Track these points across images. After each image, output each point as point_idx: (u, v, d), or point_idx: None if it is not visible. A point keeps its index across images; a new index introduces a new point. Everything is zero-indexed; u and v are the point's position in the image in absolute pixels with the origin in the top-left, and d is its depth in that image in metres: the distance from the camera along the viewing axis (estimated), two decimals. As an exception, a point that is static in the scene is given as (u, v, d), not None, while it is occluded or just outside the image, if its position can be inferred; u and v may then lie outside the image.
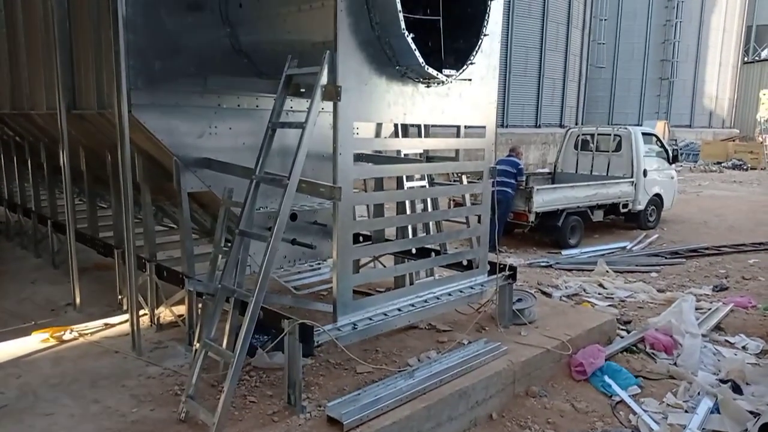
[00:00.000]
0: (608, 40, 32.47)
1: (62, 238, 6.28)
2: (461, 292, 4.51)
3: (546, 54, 23.23)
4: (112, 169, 5.07)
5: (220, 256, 3.99)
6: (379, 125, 5.31)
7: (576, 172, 12.26)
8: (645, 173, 11.61)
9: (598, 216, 10.97)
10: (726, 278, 8.15)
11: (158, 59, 4.02)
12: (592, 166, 12.14)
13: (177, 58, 4.12)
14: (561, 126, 23.51)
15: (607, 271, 8.09)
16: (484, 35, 4.00)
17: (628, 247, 10.26)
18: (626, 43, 33.60)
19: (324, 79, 3.35)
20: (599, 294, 7.14)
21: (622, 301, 6.91)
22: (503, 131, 21.00)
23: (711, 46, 34.91)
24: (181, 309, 4.59)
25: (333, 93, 3.36)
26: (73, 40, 4.68)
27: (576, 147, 12.51)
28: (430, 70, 3.69)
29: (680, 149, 25.27)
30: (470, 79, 4.15)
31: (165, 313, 4.84)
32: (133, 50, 3.86)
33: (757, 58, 45.36)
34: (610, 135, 12.21)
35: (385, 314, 3.90)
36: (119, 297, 5.30)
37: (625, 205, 11.44)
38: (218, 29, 4.30)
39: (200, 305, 4.31)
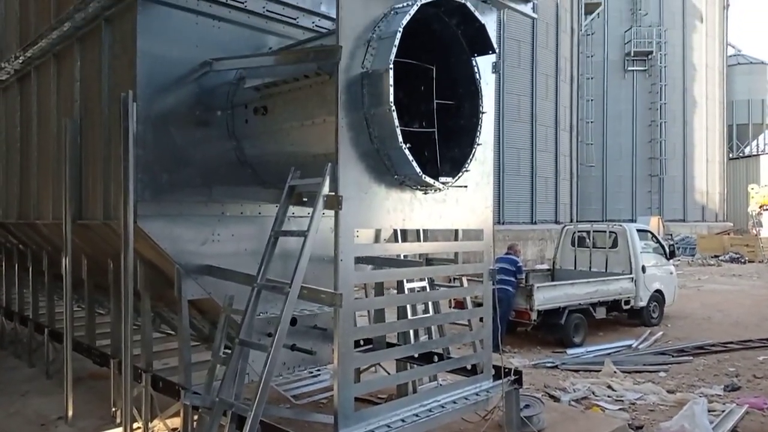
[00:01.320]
0: (596, 141, 33.79)
1: (58, 347, 6.17)
2: (466, 399, 4.38)
3: (537, 155, 24.06)
4: (114, 277, 5.09)
5: (218, 365, 3.91)
6: (379, 229, 5.41)
7: (575, 268, 12.30)
8: (644, 269, 11.64)
9: (600, 313, 10.86)
10: (737, 377, 7.93)
11: (165, 172, 4.18)
12: (590, 263, 12.20)
13: (184, 171, 4.28)
14: (556, 222, 23.87)
15: (615, 372, 7.89)
16: (477, 145, 4.18)
17: (633, 345, 10.06)
18: (614, 143, 34.98)
19: (326, 189, 3.47)
20: (608, 396, 6.92)
21: (633, 403, 6.68)
22: (500, 228, 21.28)
23: (696, 144, 36.32)
24: (177, 422, 4.42)
25: (335, 202, 3.46)
26: (83, 155, 4.88)
27: (573, 244, 12.64)
28: (427, 179, 3.82)
29: (676, 244, 25.46)
30: (466, 186, 4.29)
31: (159, 427, 4.66)
32: (141, 164, 4.03)
33: (741, 154, 47.03)
34: (605, 232, 12.38)
35: (389, 426, 3.76)
36: (113, 409, 5.12)
37: (627, 302, 11.36)
38: (224, 143, 4.51)
39: (196, 417, 4.16)
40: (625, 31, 35.43)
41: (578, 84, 28.72)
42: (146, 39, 4.08)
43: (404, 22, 3.48)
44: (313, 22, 5.12)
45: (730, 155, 43.70)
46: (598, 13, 32.32)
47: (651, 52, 34.97)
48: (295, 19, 4.97)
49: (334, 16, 3.66)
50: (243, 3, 4.57)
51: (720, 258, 27.93)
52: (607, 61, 35.50)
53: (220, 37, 4.53)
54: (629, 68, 35.68)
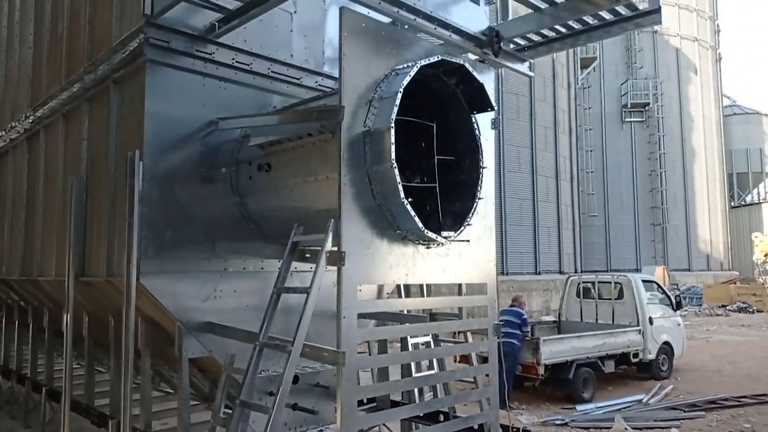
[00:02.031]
0: (597, 190, 34.01)
1: (55, 407, 6.05)
2: (473, 460, 4.24)
3: (539, 204, 24.18)
4: (114, 334, 5.03)
5: (218, 426, 3.82)
6: (381, 284, 5.38)
7: (581, 320, 12.14)
8: (651, 321, 11.48)
9: (609, 367, 10.64)
10: (752, 433, 7.70)
11: (169, 229, 4.21)
12: (596, 315, 12.05)
13: (187, 227, 4.31)
14: (561, 272, 23.72)
15: (626, 429, 7.66)
16: (479, 199, 4.21)
17: (644, 401, 9.80)
18: (615, 193, 35.18)
19: (329, 245, 3.48)
20: (620, 455, 6.69)
21: (646, 462, 6.45)
22: (504, 278, 21.14)
23: (697, 193, 36.49)
24: (174, 487, 4.28)
25: (337, 259, 3.46)
26: (88, 212, 4.93)
27: (578, 295, 12.51)
28: (430, 234, 3.83)
29: (682, 293, 25.21)
30: (468, 240, 4.30)
31: (156, 492, 4.50)
32: (145, 222, 4.06)
33: (742, 202, 47.17)
34: (610, 282, 12.28)
35: (393, 489, 3.63)
36: (108, 473, 4.97)
37: (636, 355, 11.15)
38: (228, 199, 4.55)
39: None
40: (621, 84, 36.24)
41: (577, 135, 29.17)
42: (154, 100, 4.19)
43: (405, 83, 3.57)
44: (316, 82, 5.26)
45: (732, 203, 43.83)
46: (594, 67, 33.17)
47: (648, 104, 35.64)
48: (298, 79, 5.11)
49: (337, 76, 3.76)
50: (249, 65, 4.71)
51: (727, 308, 27.56)
52: (604, 113, 36.16)
53: (226, 97, 4.64)
54: (627, 119, 36.29)
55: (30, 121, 6.29)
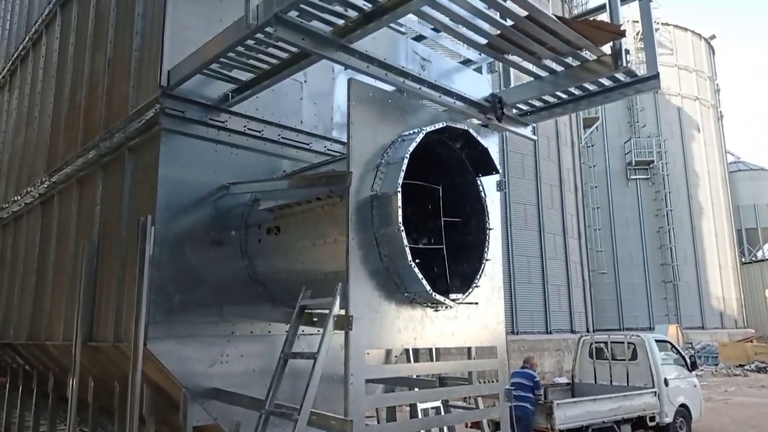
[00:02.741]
0: (606, 248, 33.84)
1: (55, 477, 5.89)
2: None
3: (547, 262, 24.04)
4: (120, 400, 4.97)
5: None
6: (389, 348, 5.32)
7: (595, 382, 11.83)
8: (666, 382, 11.16)
9: (626, 431, 10.27)
10: (780, 503, 7.32)
11: (178, 293, 4.23)
12: (611, 376, 11.73)
13: (196, 291, 4.33)
14: (572, 331, 23.29)
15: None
16: (486, 260, 4.23)
17: (664, 467, 9.40)
18: (624, 250, 34.98)
19: (336, 309, 3.48)
20: None
21: None
22: (514, 338, 20.76)
23: (707, 250, 36.20)
24: None
25: (345, 323, 3.45)
26: (98, 277, 4.97)
27: (591, 355, 12.23)
28: (438, 296, 3.83)
29: (697, 352, 24.61)
30: (477, 303, 4.28)
31: None
32: (155, 286, 4.09)
33: (753, 258, 46.67)
34: (623, 343, 12.03)
35: None
36: None
37: (652, 418, 10.77)
38: (237, 262, 4.59)
39: None
40: (625, 142, 36.70)
41: (583, 193, 29.33)
42: (167, 166, 4.31)
43: (411, 148, 3.66)
44: (325, 146, 5.40)
45: (743, 260, 43.37)
46: (597, 127, 33.73)
47: (652, 161, 35.95)
48: (308, 144, 5.25)
49: (345, 140, 3.87)
50: (260, 131, 4.86)
51: (745, 367, 26.76)
52: (609, 171, 36.46)
53: (238, 162, 4.76)
54: (632, 177, 36.52)
55: (45, 186, 6.44)
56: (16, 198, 7.64)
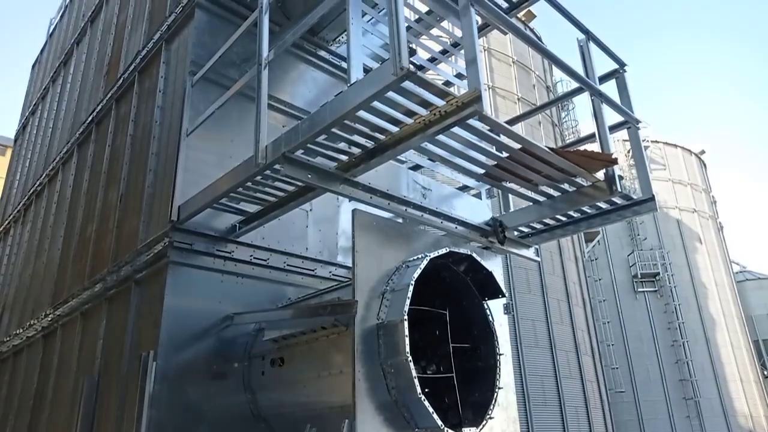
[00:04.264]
0: (621, 364, 32.67)
1: None
2: None
3: (562, 381, 23.09)
4: None
5: None
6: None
7: None
8: None
9: None
10: None
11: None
12: None
13: (195, 430, 4.13)
14: (595, 458, 21.81)
15: None
16: (498, 389, 4.08)
17: None
18: (640, 366, 33.73)
19: (343, 451, 3.30)
20: None
21: None
22: (533, 468, 19.41)
23: (725, 363, 34.91)
24: None
25: (353, 467, 3.26)
26: (96, 414, 4.78)
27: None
28: None
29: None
30: (491, 435, 4.07)
31: None
32: (153, 425, 3.92)
33: (776, 371, 44.81)
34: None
35: None
36: None
37: None
38: (239, 396, 4.43)
39: None
40: (628, 255, 36.80)
41: (591, 307, 28.90)
42: (172, 299, 4.31)
43: (416, 275, 3.68)
44: (329, 272, 5.43)
45: (765, 372, 41.63)
46: (598, 240, 34.04)
47: (657, 274, 35.81)
48: (313, 270, 5.29)
49: (350, 265, 3.90)
50: (266, 260, 4.92)
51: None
52: (615, 284, 36.20)
53: (242, 291, 4.77)
54: (639, 289, 36.18)
55: (49, 319, 6.40)
56: (17, 331, 7.56)
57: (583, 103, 38.84)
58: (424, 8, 5.06)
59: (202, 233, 4.55)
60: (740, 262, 53.68)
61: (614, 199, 4.17)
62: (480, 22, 4.96)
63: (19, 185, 10.93)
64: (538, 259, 5.16)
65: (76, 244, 6.65)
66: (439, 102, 3.09)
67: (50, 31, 13.10)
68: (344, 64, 6.03)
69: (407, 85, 2.92)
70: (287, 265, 5.09)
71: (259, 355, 4.49)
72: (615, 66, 4.62)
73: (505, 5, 5.49)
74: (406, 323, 3.56)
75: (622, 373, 32.34)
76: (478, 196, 5.48)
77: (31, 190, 9.48)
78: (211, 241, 4.59)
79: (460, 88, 5.01)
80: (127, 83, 6.49)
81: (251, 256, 4.84)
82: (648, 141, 37.36)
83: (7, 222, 10.67)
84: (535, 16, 27.66)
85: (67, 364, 5.80)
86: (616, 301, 35.69)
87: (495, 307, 4.38)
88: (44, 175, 8.91)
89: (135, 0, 7.34)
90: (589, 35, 4.34)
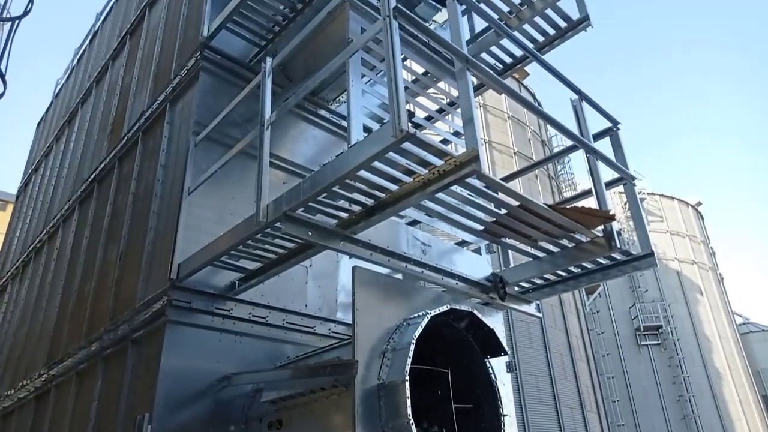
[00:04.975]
0: (627, 421, 31.82)
1: None
2: None
3: (567, 440, 22.43)
4: None
5: None
6: None
7: None
8: None
9: None
10: None
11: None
12: None
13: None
14: None
15: None
16: (504, 452, 3.96)
17: None
18: (647, 423, 32.82)
19: None
20: None
21: None
22: None
23: (734, 419, 34.00)
24: None
25: None
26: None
27: None
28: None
29: None
30: (497, 502, 3.93)
31: None
32: (147, 493, 3.78)
33: (787, 429, 43.56)
34: None
35: None
36: None
37: None
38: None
39: None
40: (630, 308, 36.46)
41: (595, 361, 28.37)
42: (169, 359, 4.24)
43: (417, 334, 3.64)
44: (329, 329, 5.37)
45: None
46: (599, 293, 33.78)
47: (660, 326, 35.38)
48: (312, 327, 5.23)
49: (350, 321, 3.85)
50: (265, 318, 4.87)
51: None
52: (618, 338, 35.70)
53: (241, 349, 4.70)
54: (642, 343, 35.65)
55: (43, 379, 6.27)
56: (9, 392, 7.38)
57: (579, 155, 39.49)
58: (420, 69, 5.23)
59: (201, 291, 4.53)
60: (743, 313, 53.16)
61: (614, 255, 4.18)
62: (476, 82, 5.11)
63: (19, 242, 10.94)
64: (540, 315, 5.12)
65: (74, 302, 6.59)
66: (437, 161, 3.14)
67: (56, 92, 13.44)
68: (344, 123, 6.17)
69: (406, 145, 2.98)
70: (286, 322, 5.04)
71: (257, 417, 4.37)
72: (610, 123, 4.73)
73: (499, 67, 5.68)
74: (407, 384, 3.49)
75: (628, 430, 31.46)
76: (477, 251, 5.49)
77: (31, 247, 9.47)
78: (209, 299, 4.56)
79: (457, 146, 5.11)
80: (131, 142, 6.60)
81: (250, 313, 4.79)
82: (644, 193, 37.70)
83: (4, 279, 10.62)
84: (528, 74, 28.46)
85: (59, 427, 5.64)
86: (620, 354, 35.10)
87: (497, 365, 4.32)
88: (44, 232, 8.93)
89: (140, 63, 7.56)
90: (582, 95, 4.46)
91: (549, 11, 5.10)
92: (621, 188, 4.53)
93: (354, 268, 3.80)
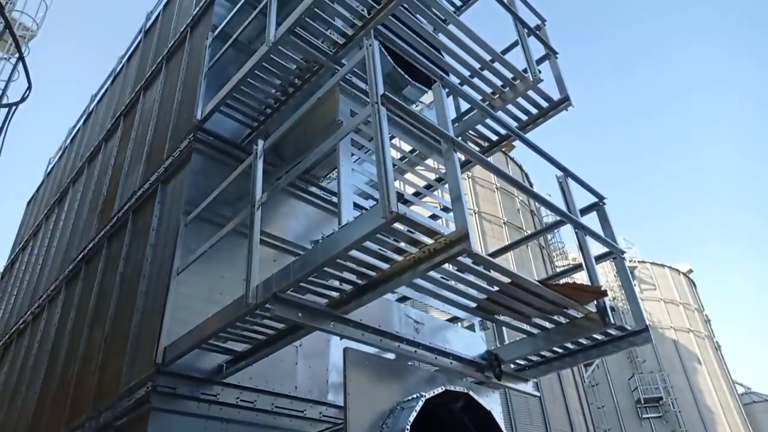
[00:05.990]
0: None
1: None
2: None
3: None
4: None
5: None
6: None
7: None
8: None
9: None
10: None
11: None
12: None
13: None
14: None
15: None
16: None
17: None
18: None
19: None
20: None
21: None
22: None
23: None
24: None
25: None
26: None
27: None
28: None
29: None
30: None
31: None
32: None
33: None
34: None
35: None
36: None
37: None
38: None
39: None
40: (629, 379, 35.67)
41: (596, 437, 27.41)
42: (151, 449, 4.04)
43: (411, 419, 3.53)
44: (320, 413, 5.17)
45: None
46: (597, 365, 33.14)
47: (660, 398, 34.50)
48: (302, 411, 5.03)
49: (341, 404, 3.72)
50: (253, 402, 4.69)
51: None
52: (619, 410, 34.68)
53: (227, 437, 4.49)
54: (644, 415, 34.62)
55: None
56: (-19, 486, 6.97)
57: (568, 226, 39.77)
58: (408, 147, 5.34)
59: (187, 375, 4.38)
60: (744, 382, 52.07)
61: (609, 330, 4.12)
62: (463, 159, 5.21)
63: (1, 323, 10.67)
64: (538, 394, 4.98)
65: (56, 387, 6.35)
66: (428, 240, 3.15)
67: (48, 171, 13.56)
68: (334, 199, 6.21)
69: (397, 225, 2.99)
70: (275, 407, 4.85)
71: None
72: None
73: (485, 144, 5.82)
74: (402, 472, 3.34)
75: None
76: (471, 327, 5.40)
77: (13, 329, 9.23)
78: (195, 383, 4.40)
79: (448, 222, 5.15)
80: (121, 222, 6.59)
81: (237, 398, 4.62)
82: (635, 261, 37.81)
83: (-17, 362, 10.27)
84: (515, 147, 29.20)
85: None
86: (621, 428, 33.99)
87: (496, 448, 4.16)
88: (29, 313, 8.73)
89: (133, 143, 7.68)
90: (567, 172, 4.55)
91: (531, 92, 5.29)
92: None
93: (345, 350, 3.72)
